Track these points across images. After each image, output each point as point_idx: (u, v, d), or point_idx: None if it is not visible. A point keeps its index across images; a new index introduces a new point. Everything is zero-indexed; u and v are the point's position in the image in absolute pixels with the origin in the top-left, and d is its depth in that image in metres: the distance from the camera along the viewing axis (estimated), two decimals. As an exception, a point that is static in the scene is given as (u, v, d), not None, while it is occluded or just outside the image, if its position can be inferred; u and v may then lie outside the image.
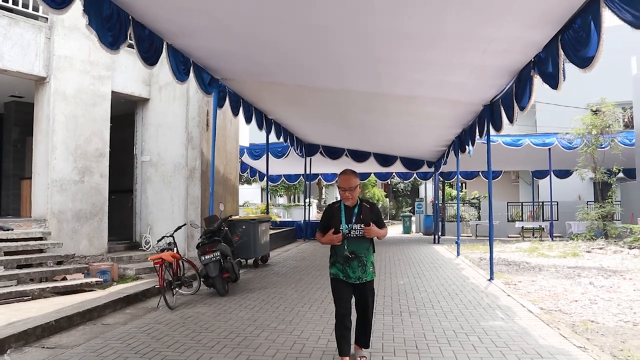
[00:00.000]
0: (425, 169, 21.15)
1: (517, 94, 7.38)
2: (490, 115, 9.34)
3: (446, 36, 6.36)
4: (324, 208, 5.01)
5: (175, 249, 8.19)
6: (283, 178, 25.53)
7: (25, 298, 7.26)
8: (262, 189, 36.48)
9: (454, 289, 8.67)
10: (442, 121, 11.99)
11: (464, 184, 33.64)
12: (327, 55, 7.98)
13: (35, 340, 5.61)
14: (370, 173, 23.83)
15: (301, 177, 24.16)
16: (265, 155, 18.71)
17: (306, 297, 7.96)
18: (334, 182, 24.95)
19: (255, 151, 20.02)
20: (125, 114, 12.04)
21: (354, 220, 4.53)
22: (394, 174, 24.30)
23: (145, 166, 11.79)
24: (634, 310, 7.08)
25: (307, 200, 23.33)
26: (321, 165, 20.59)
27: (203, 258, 8.13)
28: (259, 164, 21.38)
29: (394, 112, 11.84)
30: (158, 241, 8.33)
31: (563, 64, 5.61)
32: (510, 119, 8.16)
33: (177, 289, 7.81)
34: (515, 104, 7.59)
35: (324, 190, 37.20)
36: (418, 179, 25.05)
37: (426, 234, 24.15)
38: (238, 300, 7.84)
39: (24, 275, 7.82)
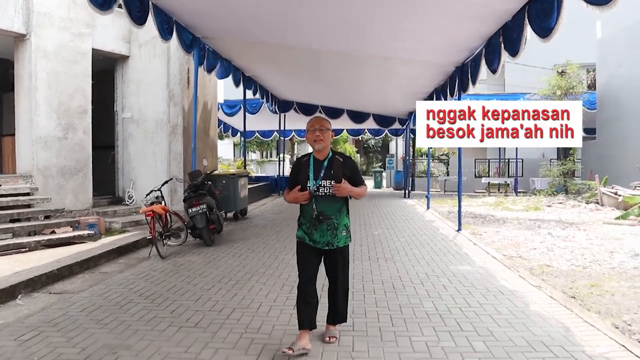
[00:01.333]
0: (396, 125, 21.70)
1: (487, 59, 7.91)
2: (460, 76, 9.87)
3: (424, 3, 6.75)
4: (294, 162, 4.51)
5: (163, 202, 8.60)
6: (257, 134, 25.76)
7: (23, 250, 7.61)
8: (235, 145, 36.65)
9: (425, 239, 9.35)
10: (415, 80, 12.45)
11: (433, 141, 34.29)
12: (303, 15, 8.27)
13: (42, 287, 6.03)
14: (343, 129, 24.27)
15: (275, 133, 24.43)
16: (239, 111, 18.97)
17: (288, 247, 8.49)
18: (307, 138, 25.27)
19: (229, 107, 20.20)
20: (103, 70, 12.07)
21: (322, 175, 3.89)
22: (365, 130, 24.78)
23: (127, 123, 11.96)
24: (585, 256, 7.87)
25: (280, 155, 23.69)
26: (295, 121, 20.89)
27: (190, 210, 8.56)
28: (233, 120, 21.57)
29: (368, 71, 12.22)
30: (147, 195, 8.70)
31: (525, 35, 6.14)
32: (474, 82, 8.97)
33: (166, 240, 8.26)
34: (485, 66, 8.16)
35: (296, 146, 37.59)
36: (389, 135, 25.55)
37: (396, 189, 24.89)
38: (224, 249, 8.35)
39: (19, 229, 8.15)
